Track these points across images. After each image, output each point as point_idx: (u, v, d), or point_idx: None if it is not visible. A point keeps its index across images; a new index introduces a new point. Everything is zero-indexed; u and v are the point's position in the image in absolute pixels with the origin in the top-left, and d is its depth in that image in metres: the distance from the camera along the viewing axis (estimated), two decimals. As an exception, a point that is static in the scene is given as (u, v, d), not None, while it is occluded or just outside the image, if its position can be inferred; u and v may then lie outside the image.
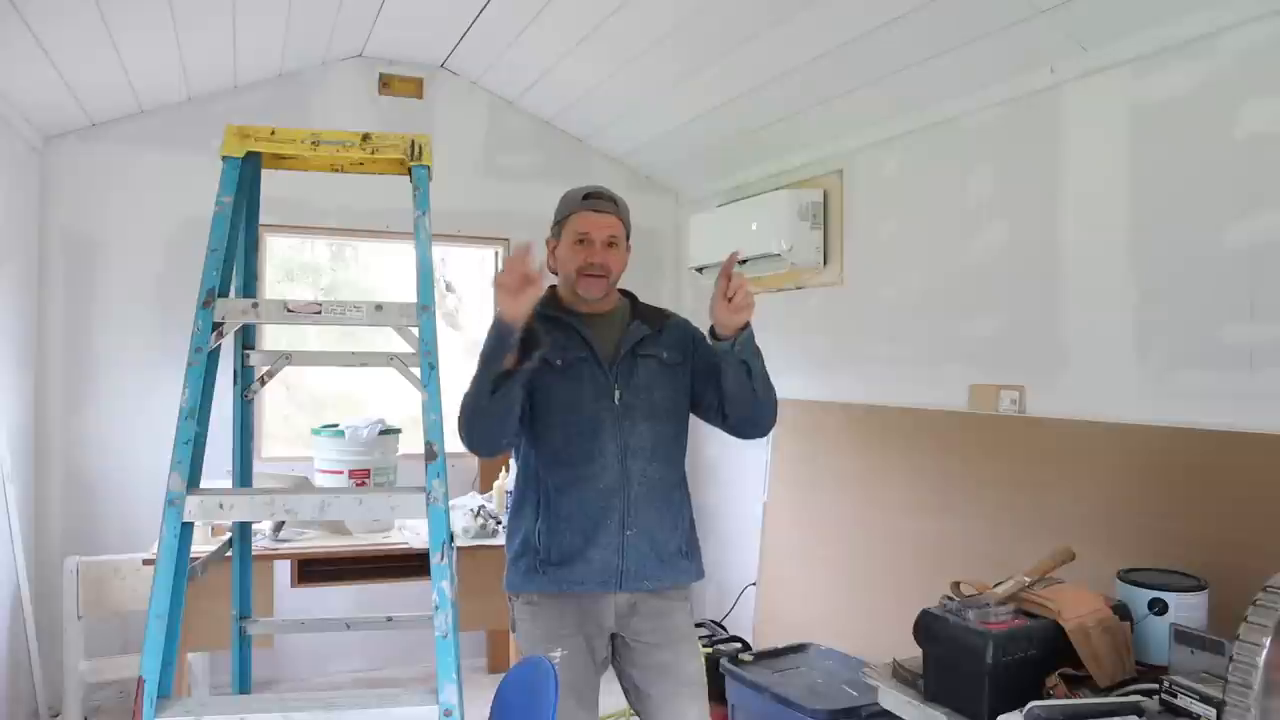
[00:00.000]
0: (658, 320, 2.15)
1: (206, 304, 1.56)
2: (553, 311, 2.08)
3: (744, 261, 3.76)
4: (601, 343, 2.07)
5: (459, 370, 2.08)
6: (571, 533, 2.00)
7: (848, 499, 3.41)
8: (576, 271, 2.06)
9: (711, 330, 2.00)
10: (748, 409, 2.07)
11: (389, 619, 2.18)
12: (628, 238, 2.14)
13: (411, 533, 3.41)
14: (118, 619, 3.65)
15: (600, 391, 2.03)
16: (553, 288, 2.16)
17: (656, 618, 2.04)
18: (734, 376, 2.01)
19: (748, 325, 1.97)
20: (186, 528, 1.50)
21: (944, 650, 1.94)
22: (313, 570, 3.32)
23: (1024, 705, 1.74)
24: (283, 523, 3.26)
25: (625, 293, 2.22)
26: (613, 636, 2.07)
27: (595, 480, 2.00)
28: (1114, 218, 2.45)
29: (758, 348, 2.02)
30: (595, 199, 2.09)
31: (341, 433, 3.44)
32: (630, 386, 2.04)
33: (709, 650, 3.39)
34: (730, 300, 1.91)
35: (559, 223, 2.12)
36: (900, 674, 2.10)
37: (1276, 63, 2.08)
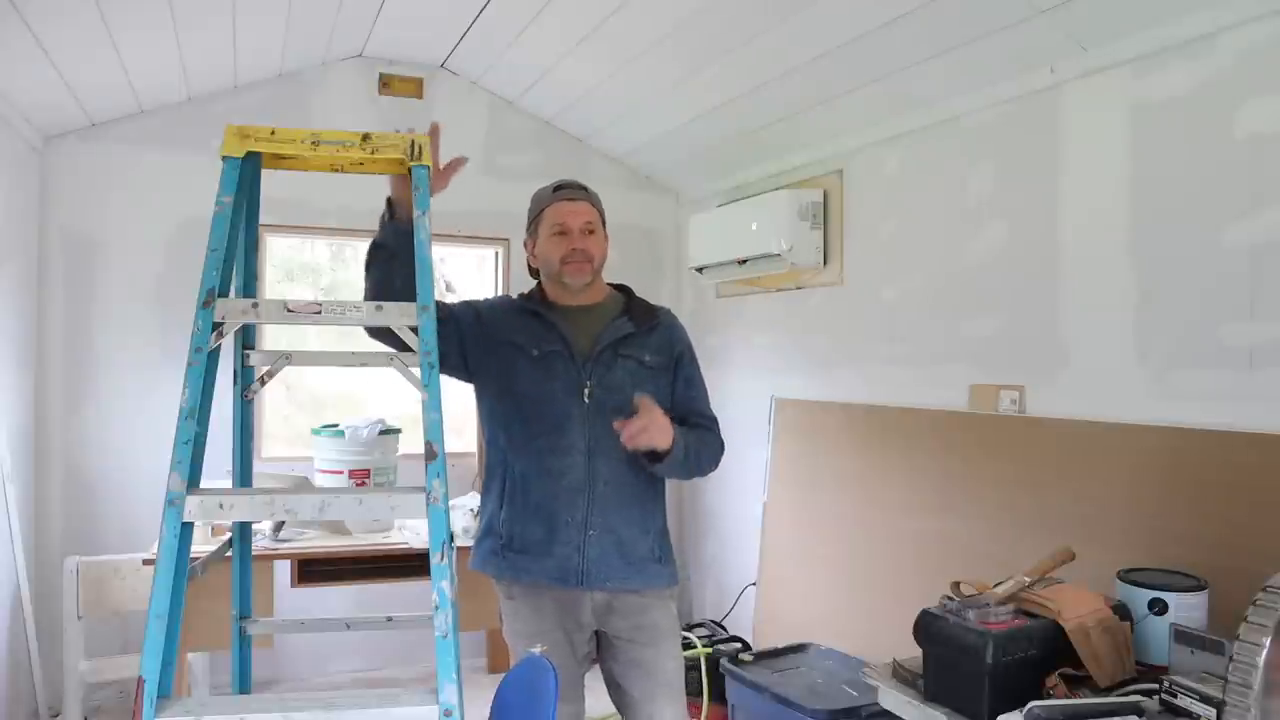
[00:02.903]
0: (647, 318, 2.12)
1: (206, 304, 1.56)
2: (534, 306, 2.09)
3: (744, 261, 3.77)
4: (578, 337, 2.05)
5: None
6: (534, 524, 2.01)
7: (848, 499, 3.41)
8: (560, 262, 2.05)
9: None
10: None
11: (389, 619, 2.18)
12: (604, 225, 2.13)
13: (411, 533, 3.41)
14: (118, 619, 3.65)
15: (570, 387, 2.02)
16: (538, 284, 2.18)
17: (635, 615, 2.04)
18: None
19: (671, 449, 1.97)
20: (186, 528, 1.50)
21: (944, 650, 1.94)
22: (313, 570, 3.32)
23: (1024, 705, 1.74)
24: (283, 523, 3.27)
25: (620, 287, 2.21)
26: (596, 632, 2.07)
27: (561, 476, 2.00)
28: (1114, 218, 2.45)
29: (685, 458, 2.02)
30: (566, 189, 2.10)
31: (341, 433, 3.45)
32: (604, 385, 2.03)
33: (709, 650, 3.39)
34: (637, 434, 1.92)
35: (533, 221, 2.13)
36: (900, 674, 2.10)
37: (1276, 63, 2.08)
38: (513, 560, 2.02)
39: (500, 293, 4.46)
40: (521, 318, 2.09)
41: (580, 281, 2.07)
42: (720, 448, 2.17)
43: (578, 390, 2.02)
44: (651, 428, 1.92)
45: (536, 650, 1.93)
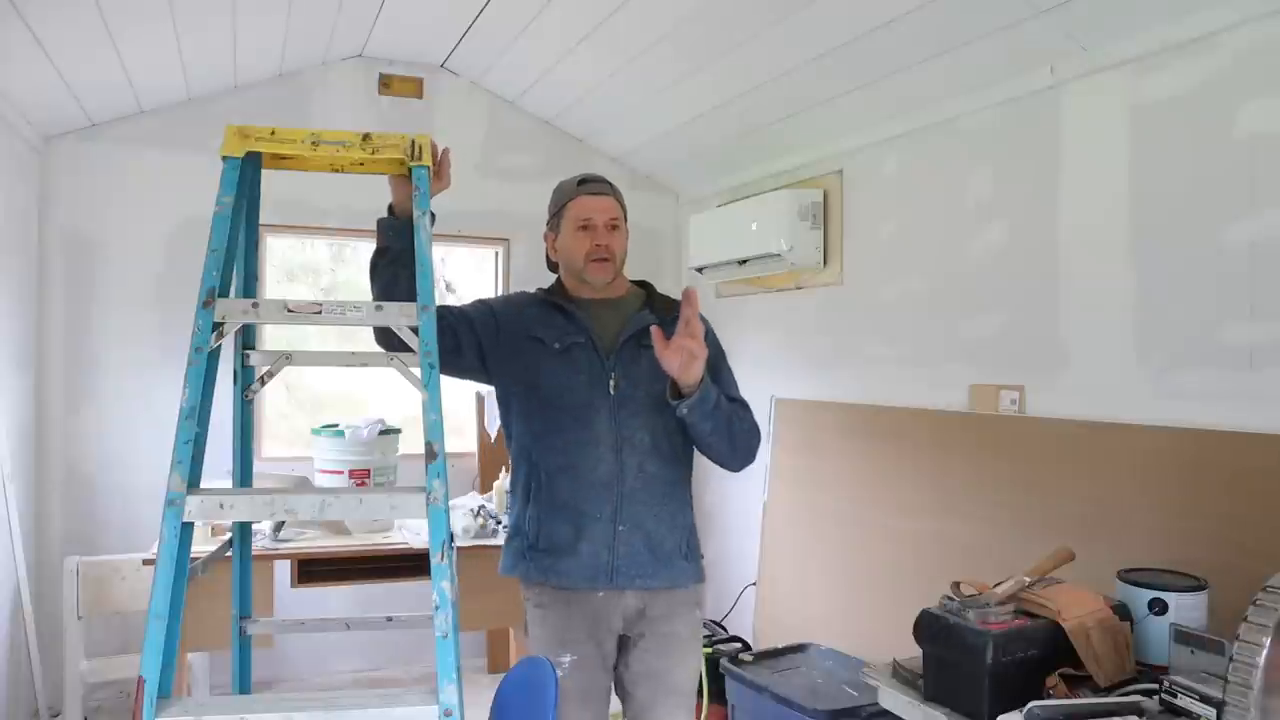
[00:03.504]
0: (670, 311, 2.07)
1: (207, 304, 1.55)
2: (556, 299, 2.07)
3: (744, 261, 3.77)
4: (602, 330, 2.03)
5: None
6: (561, 522, 1.97)
7: (848, 499, 3.41)
8: (584, 258, 2.03)
9: (671, 384, 1.91)
10: (711, 455, 2.07)
11: (389, 619, 2.18)
12: (625, 220, 2.12)
13: (411, 533, 3.41)
14: (118, 619, 3.65)
15: (595, 379, 1.99)
16: (558, 279, 2.16)
17: (660, 622, 2.02)
18: (691, 433, 1.99)
19: (699, 387, 1.88)
20: (187, 528, 1.50)
21: (944, 650, 1.94)
22: (313, 570, 3.32)
23: (1024, 705, 1.73)
24: (283, 523, 3.26)
25: (641, 283, 2.19)
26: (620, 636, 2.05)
27: (588, 471, 1.97)
28: (1114, 217, 2.45)
29: (716, 408, 1.93)
30: (590, 183, 2.08)
31: (341, 433, 3.44)
32: (630, 377, 2.00)
33: (709, 650, 3.39)
34: (683, 344, 1.83)
35: (556, 214, 2.10)
36: (900, 674, 2.10)
37: (1276, 63, 2.08)
38: (539, 561, 1.99)
39: (501, 292, 4.45)
40: (542, 311, 2.07)
41: (604, 279, 2.05)
42: (756, 427, 2.10)
43: (603, 382, 1.99)
44: (699, 352, 1.85)
45: (565, 661, 1.91)
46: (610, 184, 2.11)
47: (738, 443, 2.04)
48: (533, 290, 2.16)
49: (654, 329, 1.89)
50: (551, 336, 2.02)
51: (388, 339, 1.84)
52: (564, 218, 2.08)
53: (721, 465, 2.10)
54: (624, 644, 2.06)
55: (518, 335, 2.04)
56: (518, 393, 2.06)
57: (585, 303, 2.07)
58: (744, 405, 2.10)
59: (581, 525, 1.97)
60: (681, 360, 1.85)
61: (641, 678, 2.02)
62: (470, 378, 2.10)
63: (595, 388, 1.99)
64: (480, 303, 2.12)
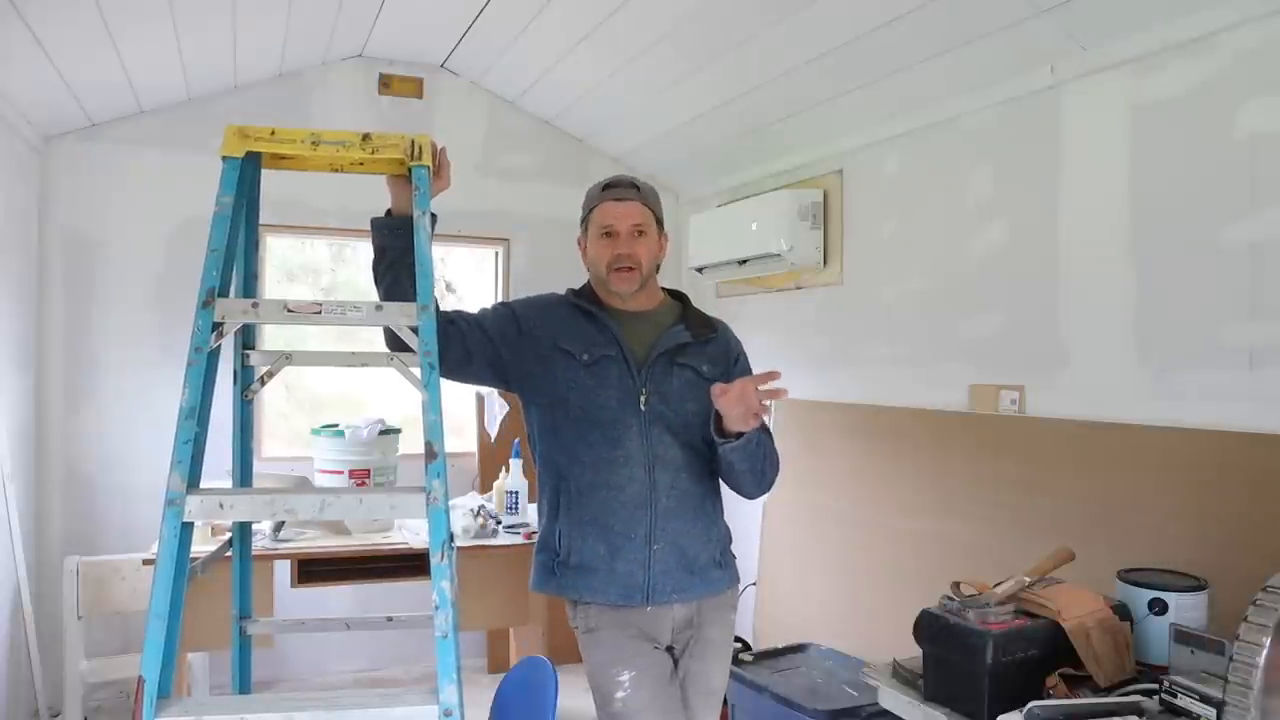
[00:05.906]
0: (705, 330, 2.05)
1: (207, 304, 1.55)
2: (587, 305, 2.00)
3: (744, 261, 3.77)
4: (633, 343, 1.96)
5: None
6: (594, 540, 1.92)
7: (848, 499, 3.41)
8: (607, 268, 1.97)
9: (716, 417, 1.85)
10: (733, 485, 2.06)
11: (389, 619, 2.17)
12: (660, 225, 2.04)
13: (411, 533, 3.41)
14: (118, 619, 3.65)
15: (626, 395, 1.93)
16: (588, 282, 2.09)
17: (700, 628, 2.01)
18: (721, 463, 1.96)
19: (754, 431, 1.84)
20: (187, 528, 1.49)
21: (944, 650, 1.94)
22: (313, 570, 3.31)
23: (1024, 705, 1.74)
24: (283, 523, 3.26)
25: (677, 295, 2.14)
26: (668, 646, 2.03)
27: (620, 490, 1.91)
28: (1114, 217, 2.45)
29: (757, 447, 1.91)
30: (615, 188, 2.00)
31: (341, 433, 3.44)
32: (661, 394, 1.94)
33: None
34: (747, 401, 1.76)
35: (583, 220, 2.05)
36: (900, 674, 2.10)
37: (1276, 63, 2.08)
38: (569, 579, 1.94)
39: (501, 292, 4.45)
40: (571, 318, 1.99)
41: (628, 290, 1.98)
42: (778, 461, 2.06)
43: (634, 398, 1.93)
44: (763, 414, 1.79)
45: (624, 679, 1.87)
46: (638, 187, 2.01)
47: (765, 479, 2.04)
48: (562, 292, 2.08)
49: (714, 387, 1.82)
50: (580, 348, 1.94)
51: (394, 340, 1.83)
52: (590, 224, 2.01)
53: (739, 493, 2.08)
54: (669, 652, 2.02)
55: (544, 344, 1.96)
56: (543, 405, 1.99)
57: (616, 312, 2.00)
58: (769, 433, 2.04)
59: (615, 544, 1.91)
60: (743, 412, 1.78)
61: (681, 681, 2.01)
62: (485, 385, 2.04)
63: (626, 404, 1.93)
64: (502, 307, 2.04)
